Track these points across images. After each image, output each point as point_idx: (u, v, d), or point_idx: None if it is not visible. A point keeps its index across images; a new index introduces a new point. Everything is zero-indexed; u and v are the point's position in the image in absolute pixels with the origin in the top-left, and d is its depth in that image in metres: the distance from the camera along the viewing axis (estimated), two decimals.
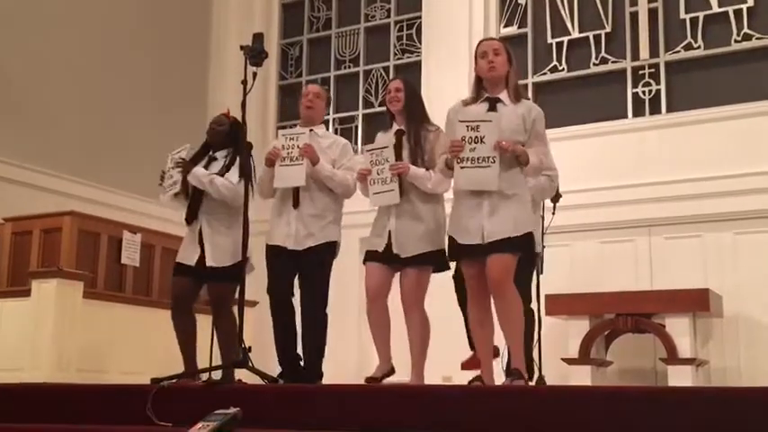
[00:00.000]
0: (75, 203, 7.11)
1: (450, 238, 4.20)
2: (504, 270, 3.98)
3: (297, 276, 4.94)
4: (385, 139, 4.85)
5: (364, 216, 4.97)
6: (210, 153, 5.20)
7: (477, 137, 4.02)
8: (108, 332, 6.29)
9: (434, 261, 4.67)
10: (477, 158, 4.01)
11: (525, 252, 4.11)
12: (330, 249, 4.92)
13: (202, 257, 5.03)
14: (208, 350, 5.29)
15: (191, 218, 5.09)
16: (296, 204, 4.89)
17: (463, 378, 4.69)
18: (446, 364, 5.25)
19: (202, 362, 5.20)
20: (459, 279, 4.81)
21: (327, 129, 5.09)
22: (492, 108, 4.15)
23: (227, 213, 5.04)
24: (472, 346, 4.86)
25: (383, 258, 4.66)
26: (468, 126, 4.05)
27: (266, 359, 4.96)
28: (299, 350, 4.89)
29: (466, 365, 4.93)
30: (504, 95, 4.19)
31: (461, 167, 4.05)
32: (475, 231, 4.03)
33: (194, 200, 5.09)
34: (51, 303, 5.93)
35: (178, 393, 4.04)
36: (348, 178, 4.88)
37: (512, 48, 4.46)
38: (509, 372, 4.07)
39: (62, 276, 6.00)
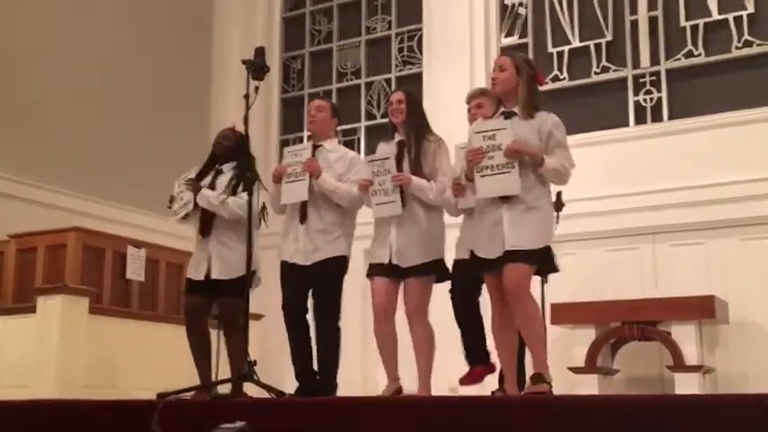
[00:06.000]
0: (79, 219, 7.12)
1: (471, 254, 4.20)
2: (519, 279, 3.99)
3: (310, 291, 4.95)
4: (387, 149, 4.87)
5: (368, 228, 4.98)
6: (217, 166, 5.23)
7: (493, 145, 4.05)
8: (114, 347, 6.29)
9: (435, 271, 4.69)
10: (497, 165, 4.04)
11: (543, 265, 4.12)
12: (339, 264, 4.92)
13: (210, 272, 5.04)
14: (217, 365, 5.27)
15: (205, 232, 5.11)
16: (302, 220, 4.90)
17: (470, 389, 4.69)
18: (452, 376, 5.23)
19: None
20: (456, 295, 4.81)
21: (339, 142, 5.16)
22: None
23: (236, 228, 5.05)
24: (470, 362, 4.83)
25: (387, 271, 4.67)
26: (483, 136, 4.08)
27: (272, 372, 4.97)
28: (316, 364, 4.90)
29: (464, 381, 4.90)
30: (517, 109, 4.19)
31: (482, 176, 4.07)
32: (497, 245, 4.03)
33: (206, 215, 5.11)
34: (57, 320, 5.94)
35: (184, 408, 4.03)
36: (352, 191, 4.88)
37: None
38: (531, 376, 4.06)
39: (67, 292, 6.01)
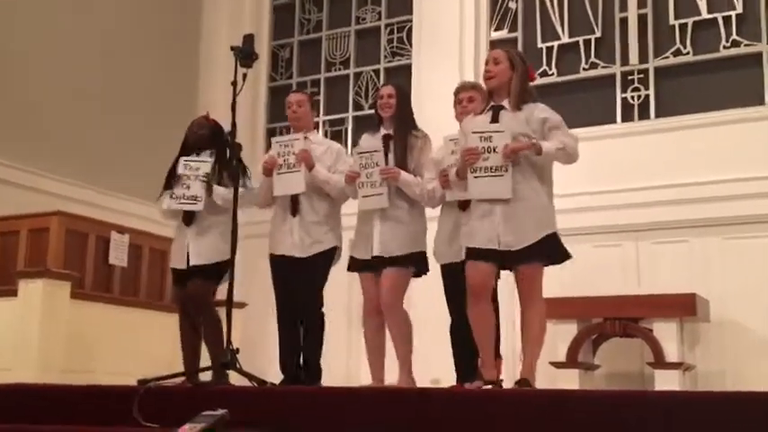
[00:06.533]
0: (62, 203, 7.07)
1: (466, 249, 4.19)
2: (532, 281, 4.03)
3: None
4: (372, 142, 4.87)
5: (353, 219, 4.98)
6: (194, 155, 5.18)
7: (489, 147, 4.05)
8: (95, 333, 6.26)
9: (415, 263, 4.70)
10: (491, 168, 4.03)
11: (553, 255, 4.08)
12: (332, 254, 4.96)
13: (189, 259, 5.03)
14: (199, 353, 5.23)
15: (189, 221, 5.07)
16: (294, 212, 4.89)
17: (452, 381, 4.69)
18: (434, 367, 5.25)
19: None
20: (454, 309, 4.70)
21: (318, 132, 5.13)
22: (495, 116, 4.17)
23: (215, 215, 5.02)
24: (459, 378, 4.66)
25: (372, 266, 4.67)
26: (481, 136, 4.08)
27: (254, 361, 4.96)
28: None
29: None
30: (506, 102, 4.19)
31: (475, 177, 4.07)
32: (488, 235, 4.02)
33: None
34: (38, 303, 5.90)
35: (165, 395, 4.02)
36: (342, 182, 4.88)
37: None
38: (517, 381, 4.05)
39: (49, 276, 5.97)
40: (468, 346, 4.44)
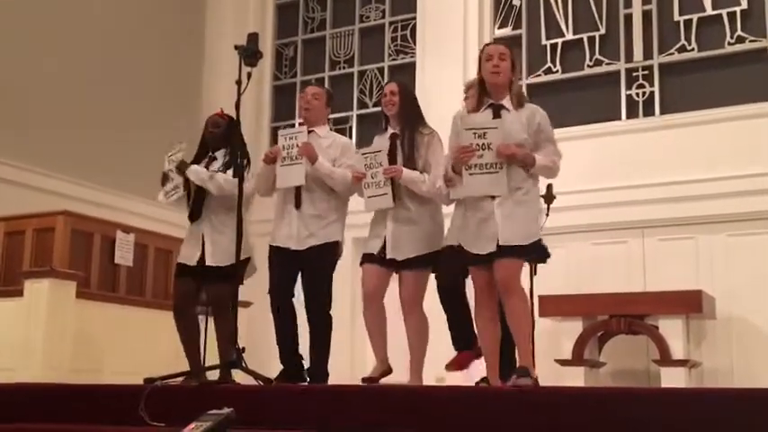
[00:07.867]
0: (68, 203, 7.08)
1: (460, 246, 4.21)
2: (511, 274, 4.03)
3: (300, 276, 4.92)
4: (381, 142, 4.86)
5: (357, 217, 4.98)
6: (210, 153, 5.19)
7: (484, 143, 4.04)
8: (101, 332, 6.27)
9: (431, 262, 4.69)
10: (485, 164, 4.03)
11: (535, 256, 4.16)
12: (332, 249, 4.90)
13: (203, 257, 5.01)
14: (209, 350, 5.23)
15: (195, 216, 5.08)
16: (298, 205, 4.88)
17: (457, 379, 4.70)
18: (440, 365, 5.25)
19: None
20: (442, 279, 4.78)
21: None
22: (496, 115, 4.16)
23: (228, 212, 5.02)
24: (457, 347, 4.82)
25: (379, 260, 4.67)
26: (474, 133, 4.07)
27: (260, 360, 4.95)
28: (301, 350, 4.88)
29: (450, 367, 4.90)
30: (506, 101, 4.18)
31: (470, 174, 4.06)
32: (487, 240, 4.03)
33: (198, 198, 5.06)
34: (44, 303, 5.91)
35: (171, 394, 4.03)
36: (348, 175, 4.85)
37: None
38: (515, 369, 4.06)
39: (55, 276, 5.98)
40: (459, 312, 4.47)
